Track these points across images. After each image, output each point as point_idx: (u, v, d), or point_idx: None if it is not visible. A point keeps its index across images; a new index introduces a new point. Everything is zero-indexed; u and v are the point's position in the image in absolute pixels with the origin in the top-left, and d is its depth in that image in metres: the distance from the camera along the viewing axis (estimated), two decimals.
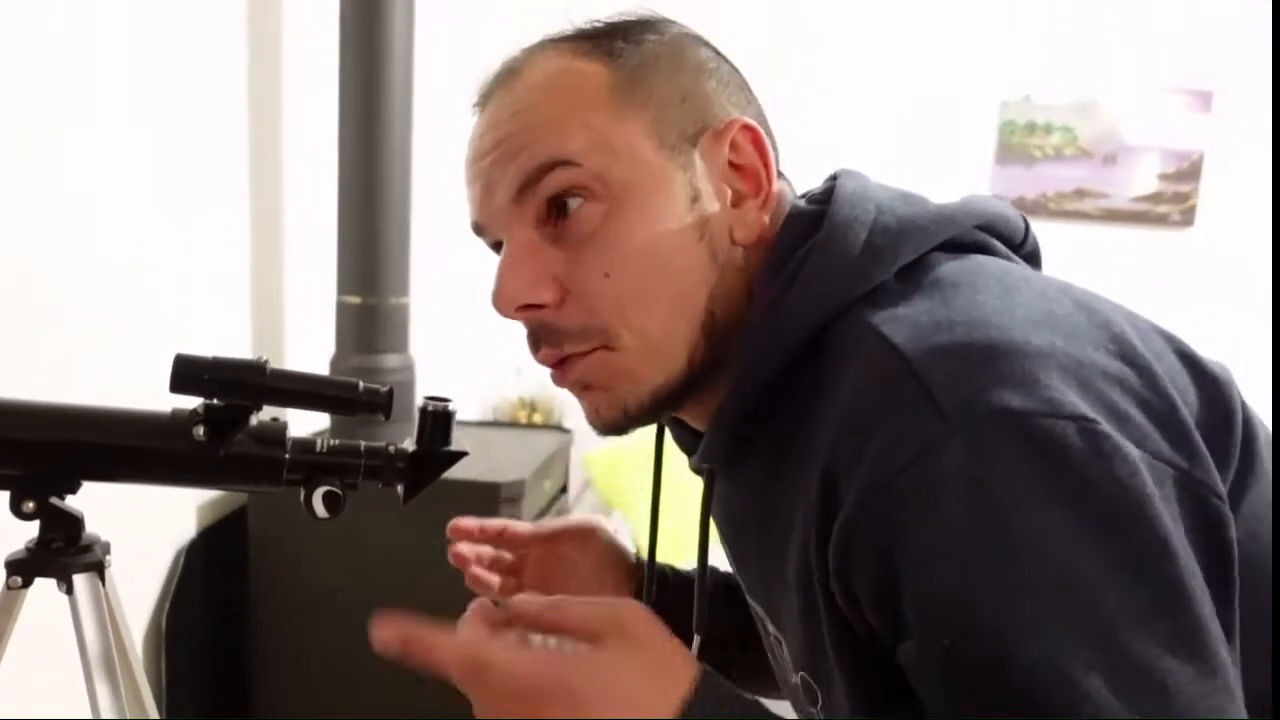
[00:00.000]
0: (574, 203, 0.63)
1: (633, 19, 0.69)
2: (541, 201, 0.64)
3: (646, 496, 2.94)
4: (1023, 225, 0.72)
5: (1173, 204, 3.14)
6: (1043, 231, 2.94)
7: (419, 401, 0.80)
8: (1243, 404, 0.59)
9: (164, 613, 1.62)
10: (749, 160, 0.67)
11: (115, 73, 1.45)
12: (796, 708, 0.73)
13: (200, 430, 0.75)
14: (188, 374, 0.73)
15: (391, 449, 0.79)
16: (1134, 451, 0.50)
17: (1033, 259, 0.74)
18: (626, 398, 0.66)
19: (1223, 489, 0.53)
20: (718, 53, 0.71)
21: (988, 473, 0.50)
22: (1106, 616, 0.48)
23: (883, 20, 3.18)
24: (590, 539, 0.88)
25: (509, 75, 0.67)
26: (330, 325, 1.91)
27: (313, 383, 0.77)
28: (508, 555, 0.89)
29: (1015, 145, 3.16)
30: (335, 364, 1.88)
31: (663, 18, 0.70)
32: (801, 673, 0.68)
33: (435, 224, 2.27)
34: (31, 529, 0.77)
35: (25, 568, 0.76)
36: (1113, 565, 0.49)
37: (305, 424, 1.85)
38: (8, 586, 0.76)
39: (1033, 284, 0.61)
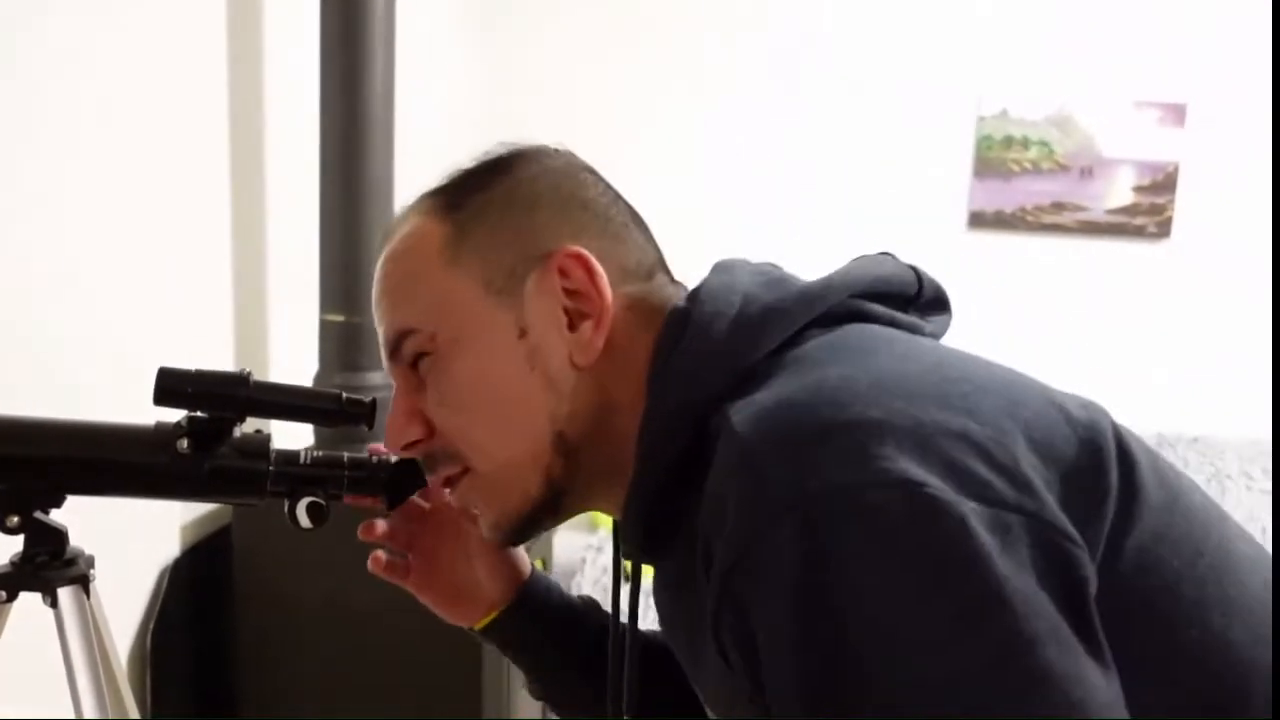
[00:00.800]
0: (423, 360, 0.72)
1: (488, 161, 0.74)
2: (405, 359, 0.73)
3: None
4: (914, 278, 0.75)
5: (1149, 216, 3.18)
6: (1021, 245, 2.99)
7: None
8: (1119, 439, 0.61)
9: (149, 632, 1.62)
10: (580, 285, 0.70)
11: (94, 89, 1.46)
12: None
13: (184, 443, 0.75)
14: (171, 386, 0.74)
15: (375, 459, 0.80)
16: (966, 506, 0.52)
17: (935, 305, 0.77)
18: (498, 517, 0.74)
19: (1072, 529, 0.55)
20: (573, 177, 0.75)
21: (818, 549, 0.53)
22: (945, 673, 0.51)
23: (860, 36, 3.21)
24: None
25: (385, 239, 0.76)
26: (313, 343, 1.92)
27: (296, 394, 0.78)
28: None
29: (993, 159, 3.19)
30: (319, 381, 1.88)
31: (523, 152, 0.75)
32: None
33: None
34: (15, 544, 0.77)
35: (9, 582, 0.77)
36: (945, 621, 0.51)
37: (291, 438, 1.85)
38: None
39: (893, 346, 0.65)
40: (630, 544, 0.73)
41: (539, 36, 3.23)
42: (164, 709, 1.58)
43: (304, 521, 0.77)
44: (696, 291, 0.71)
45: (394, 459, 0.81)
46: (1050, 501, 0.55)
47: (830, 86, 3.23)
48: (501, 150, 0.75)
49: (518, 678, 1.88)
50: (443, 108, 2.77)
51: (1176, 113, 3.13)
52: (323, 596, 1.77)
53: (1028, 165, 3.18)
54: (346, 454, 0.80)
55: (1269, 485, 3.10)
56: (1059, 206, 3.18)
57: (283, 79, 1.97)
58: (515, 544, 0.78)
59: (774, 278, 0.71)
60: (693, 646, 0.73)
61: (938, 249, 3.19)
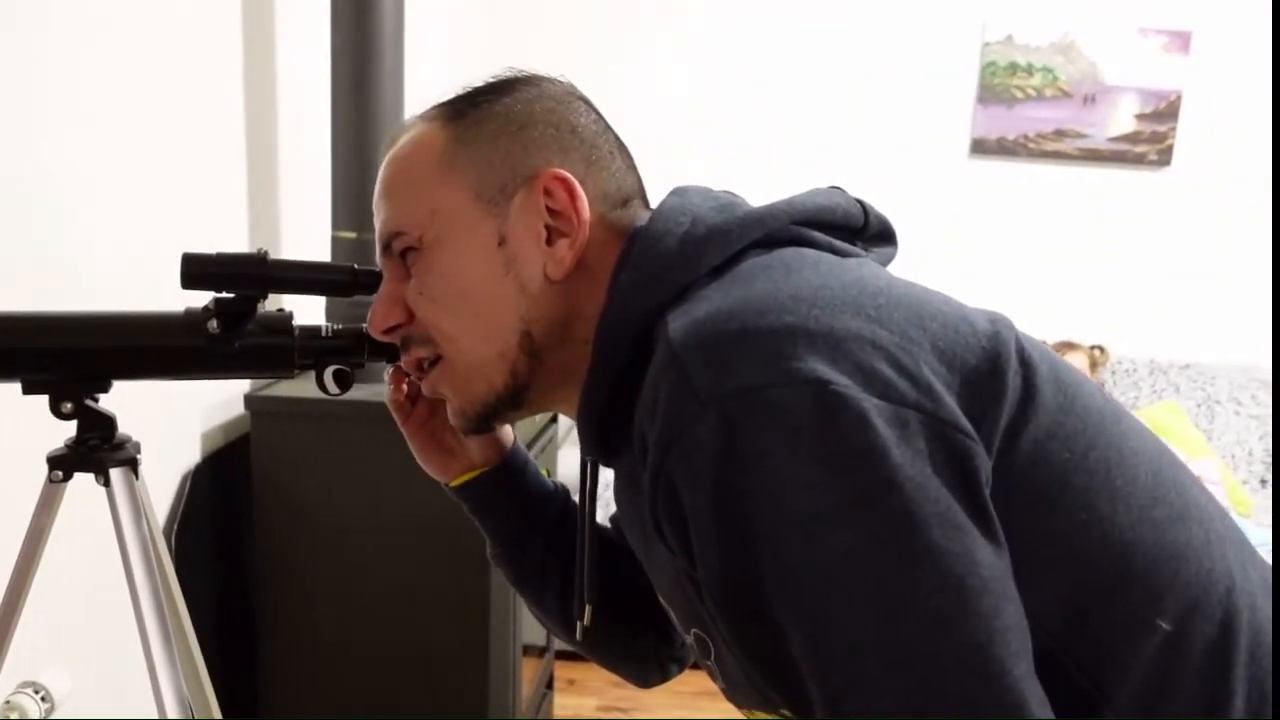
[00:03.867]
0: (409, 254, 0.78)
1: (493, 82, 0.80)
2: (393, 253, 0.79)
3: None
4: (860, 211, 0.81)
5: (1150, 144, 3.20)
6: (1023, 172, 3.03)
7: None
8: (1020, 349, 0.67)
9: (171, 535, 1.69)
10: (562, 206, 0.76)
11: (104, 20, 1.49)
12: (695, 662, 0.86)
13: (213, 324, 0.81)
14: (196, 270, 0.80)
15: None
16: (869, 402, 0.59)
17: (881, 238, 0.83)
18: (464, 404, 0.80)
19: (967, 425, 0.61)
20: (568, 105, 0.80)
21: (733, 442, 0.59)
22: (841, 550, 0.58)
23: None
24: None
25: (389, 144, 0.81)
26: (326, 259, 1.97)
27: (312, 268, 0.84)
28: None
29: (997, 86, 3.20)
30: (331, 296, 1.93)
31: (525, 77, 0.81)
32: (693, 630, 0.79)
33: None
34: (69, 429, 0.83)
35: (66, 463, 0.83)
36: (844, 504, 0.58)
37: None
38: (50, 480, 0.83)
39: (819, 265, 0.71)
40: (585, 445, 0.80)
41: None
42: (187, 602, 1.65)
43: (331, 388, 0.84)
44: (653, 212, 0.77)
45: None
46: (948, 401, 0.62)
47: (837, 12, 3.23)
48: (507, 74, 0.81)
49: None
50: (450, 27, 2.78)
51: (1181, 40, 3.14)
52: (337, 503, 1.84)
53: (1031, 92, 3.19)
54: (364, 324, 0.86)
55: (1257, 411, 3.16)
56: (1061, 134, 3.21)
57: (294, 5, 1.99)
58: (478, 432, 0.85)
59: (724, 202, 0.77)
60: (645, 542, 0.80)
61: (940, 175, 3.25)
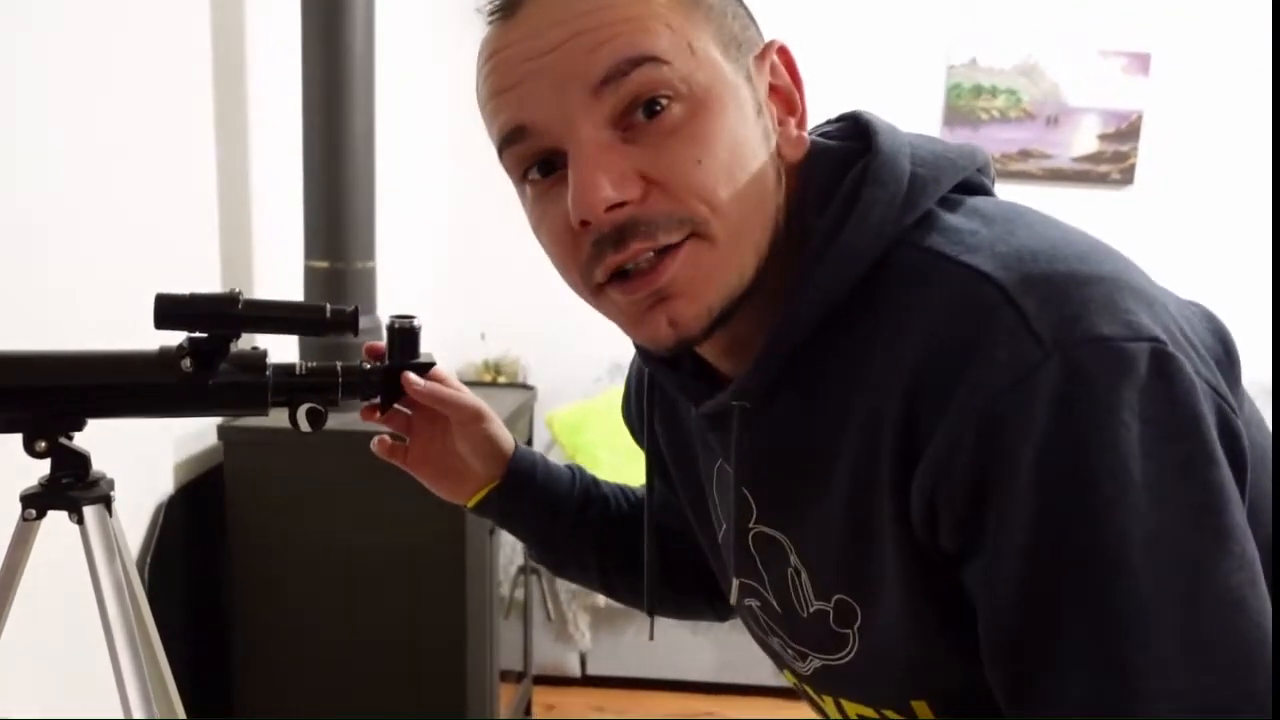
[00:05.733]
0: (663, 101, 0.62)
1: None
2: (623, 98, 0.62)
3: (608, 453, 3.05)
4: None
5: (1113, 163, 3.26)
6: None
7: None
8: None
9: (145, 568, 1.69)
10: (784, 82, 0.69)
11: (81, 29, 1.50)
12: (799, 639, 0.79)
13: (187, 363, 0.82)
14: (168, 310, 0.81)
15: (366, 365, 0.86)
16: (1190, 371, 0.57)
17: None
18: (713, 297, 0.65)
19: (1236, 404, 0.60)
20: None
21: (1082, 395, 0.56)
22: (1160, 517, 0.56)
23: None
24: (473, 424, 0.92)
25: None
26: (299, 290, 1.97)
27: (285, 308, 0.85)
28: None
29: (962, 108, 3.25)
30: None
31: None
32: (836, 596, 0.72)
33: (400, 189, 2.32)
34: (43, 467, 0.84)
35: (39, 501, 0.83)
36: (1171, 470, 0.56)
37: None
38: (23, 519, 0.83)
39: (1053, 220, 0.67)
40: (765, 376, 0.69)
41: None
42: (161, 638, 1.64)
43: (304, 426, 0.84)
44: (851, 129, 0.71)
45: (383, 365, 0.87)
46: (1219, 376, 0.60)
47: (803, 37, 3.26)
48: None
49: (500, 613, 1.96)
50: (421, 56, 2.80)
51: (1141, 62, 3.20)
52: (311, 533, 1.84)
53: (995, 114, 3.24)
54: (339, 363, 0.87)
55: None
56: (1026, 154, 3.26)
57: (265, 24, 2.00)
58: (697, 341, 0.68)
59: (917, 134, 0.72)
60: (802, 491, 0.71)
61: None
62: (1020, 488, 0.57)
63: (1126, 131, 3.23)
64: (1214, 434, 0.57)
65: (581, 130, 0.62)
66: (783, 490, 0.74)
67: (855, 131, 0.72)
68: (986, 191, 0.71)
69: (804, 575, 0.75)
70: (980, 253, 0.61)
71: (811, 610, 0.75)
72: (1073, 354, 0.56)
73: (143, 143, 1.65)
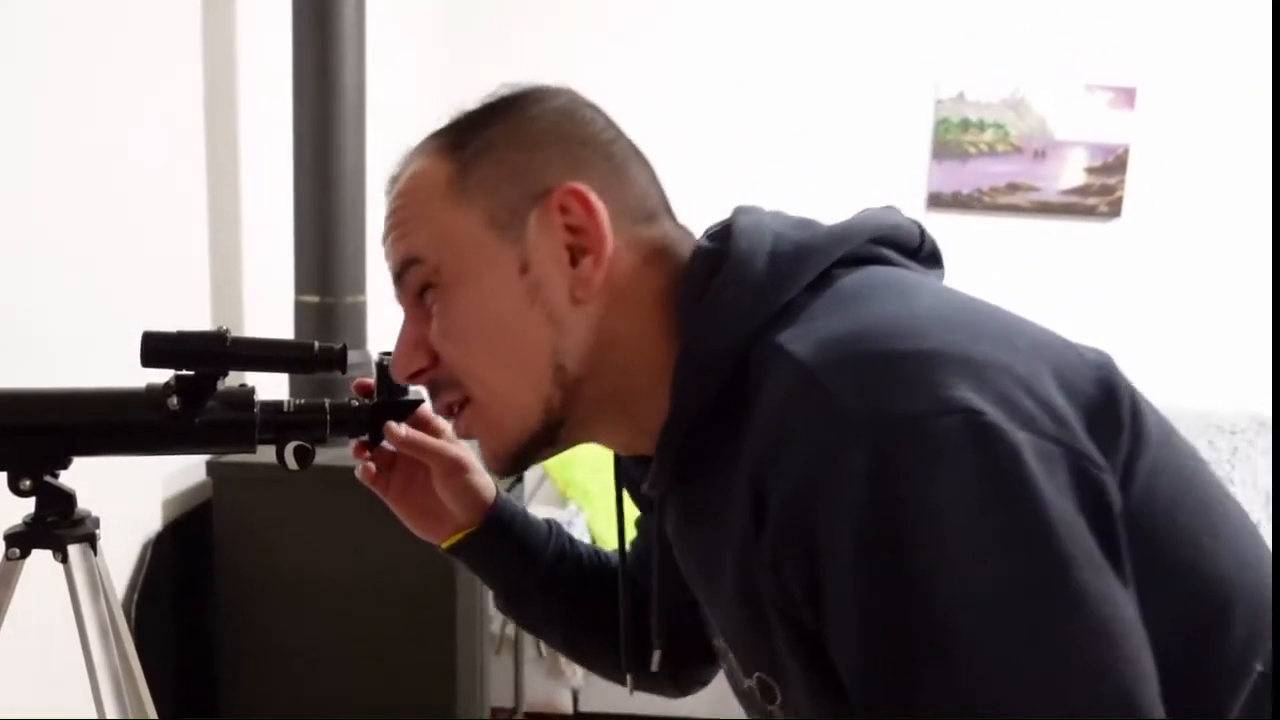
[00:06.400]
0: (428, 293, 0.75)
1: (492, 102, 0.76)
2: (408, 290, 0.76)
3: (600, 489, 3.04)
4: (918, 231, 0.79)
5: (1100, 196, 3.28)
6: (978, 225, 3.09)
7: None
8: (1126, 383, 0.66)
9: (132, 605, 1.67)
10: (580, 221, 0.72)
11: (71, 68, 1.50)
12: (751, 709, 0.80)
13: (174, 400, 0.81)
14: (156, 348, 0.81)
15: (355, 403, 0.86)
16: (1019, 435, 0.56)
17: (933, 259, 0.81)
18: (497, 446, 0.76)
19: (1100, 458, 0.59)
20: (575, 115, 0.77)
21: (890, 474, 0.56)
22: (995, 589, 0.55)
23: (822, 23, 3.28)
24: (454, 475, 0.93)
25: (391, 182, 0.78)
26: (289, 324, 1.97)
27: (272, 346, 0.85)
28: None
29: (950, 142, 3.27)
30: None
31: (525, 93, 0.77)
32: (756, 674, 0.74)
33: None
34: (27, 505, 0.83)
35: (23, 540, 0.83)
36: (999, 541, 0.55)
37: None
38: (6, 558, 0.82)
39: (923, 288, 0.69)
40: (662, 476, 0.74)
41: (503, 21, 3.28)
42: (147, 677, 1.62)
43: (291, 464, 0.84)
44: (727, 230, 0.73)
45: (371, 402, 0.87)
46: (1083, 433, 0.59)
47: (793, 72, 3.29)
48: (505, 91, 0.77)
49: (491, 649, 1.94)
50: (411, 92, 2.81)
51: (1126, 96, 3.23)
52: (300, 570, 1.83)
53: (984, 147, 3.26)
54: (327, 400, 0.86)
55: (1213, 455, 3.21)
56: (1014, 187, 3.27)
57: (256, 61, 2.01)
58: (513, 472, 0.79)
59: (797, 220, 0.74)
60: (710, 574, 0.74)
61: None
62: (843, 569, 0.58)
63: (1113, 165, 3.26)
64: (1051, 496, 0.56)
65: (403, 308, 0.78)
66: (697, 572, 0.78)
67: (728, 232, 0.74)
68: (882, 260, 0.73)
69: (731, 654, 0.78)
70: (808, 339, 0.63)
71: (744, 686, 0.78)
72: (879, 434, 0.57)
73: (133, 177, 1.65)
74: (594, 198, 0.71)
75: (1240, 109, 3.23)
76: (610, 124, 0.78)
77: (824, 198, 3.59)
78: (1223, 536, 0.65)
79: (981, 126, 3.25)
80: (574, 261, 0.72)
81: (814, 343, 0.63)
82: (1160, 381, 3.29)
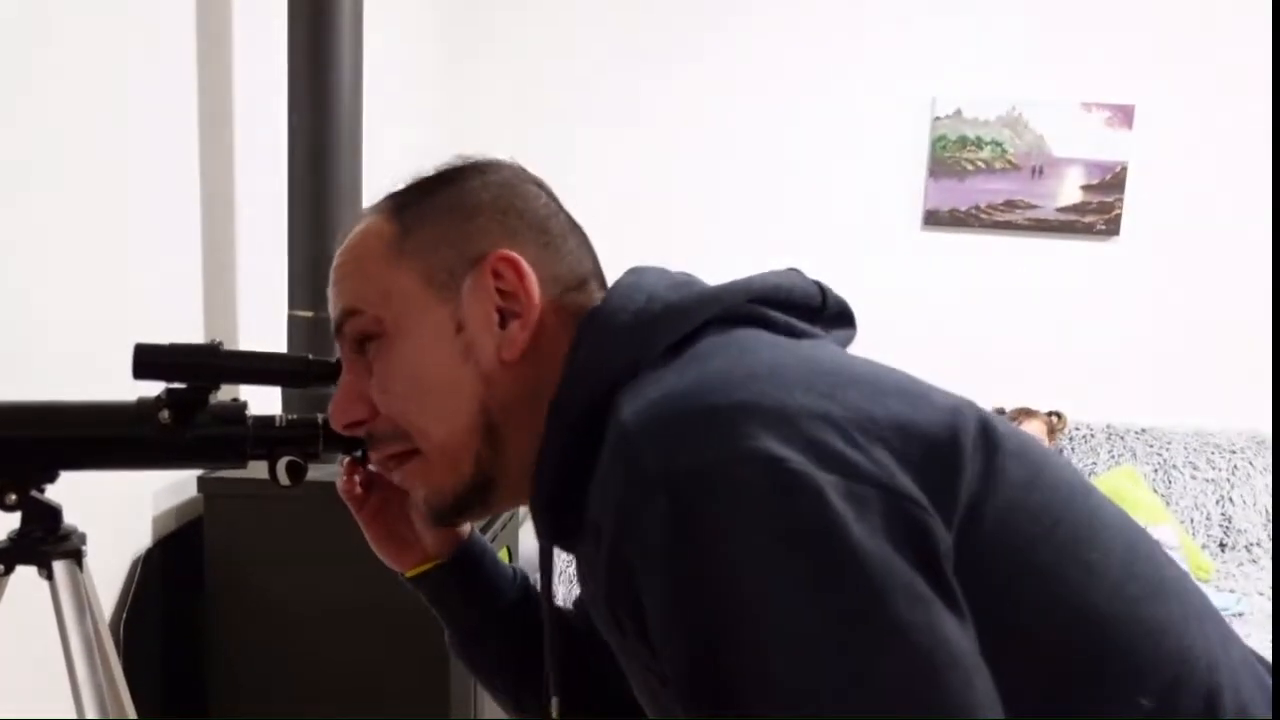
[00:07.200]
0: (368, 345, 0.78)
1: (441, 171, 0.81)
2: (349, 340, 0.79)
3: None
4: (817, 291, 0.80)
5: (1098, 214, 3.28)
6: (975, 243, 3.09)
7: None
8: (983, 423, 0.66)
9: (121, 622, 1.65)
10: (511, 286, 0.76)
11: (64, 83, 1.49)
12: None
13: (165, 414, 0.80)
14: (148, 361, 0.79)
15: None
16: (824, 478, 0.57)
17: (840, 320, 0.82)
18: (431, 496, 0.79)
19: (923, 499, 0.60)
20: (516, 189, 0.80)
21: (685, 522, 0.58)
22: (806, 630, 0.56)
23: (820, 40, 3.28)
24: None
25: (342, 238, 0.81)
26: (282, 339, 1.95)
27: (265, 359, 0.83)
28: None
29: (948, 159, 3.27)
30: None
31: (473, 164, 0.81)
32: None
33: None
34: (13, 520, 0.81)
35: (7, 555, 0.81)
36: (805, 584, 0.56)
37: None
38: None
39: (775, 346, 0.71)
40: (540, 531, 0.78)
41: (497, 44, 3.28)
42: (135, 697, 1.60)
43: (283, 479, 0.82)
44: (608, 291, 0.77)
45: None
46: (902, 474, 0.60)
47: (791, 89, 3.29)
48: (456, 161, 0.81)
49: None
50: (407, 109, 2.80)
51: (1124, 114, 3.23)
52: (293, 588, 1.80)
53: (981, 165, 3.27)
54: (320, 415, 0.84)
55: (1213, 474, 3.20)
56: (1011, 205, 3.27)
57: (251, 72, 2.00)
58: (447, 524, 0.83)
59: (680, 281, 0.77)
60: (607, 627, 0.77)
61: (895, 246, 3.29)
62: (661, 620, 0.60)
63: (1111, 182, 3.26)
64: (860, 535, 0.57)
65: (343, 359, 0.80)
66: (601, 621, 0.79)
67: None
68: (765, 319, 0.74)
69: (642, 703, 0.80)
70: (639, 400, 0.65)
71: None
72: (676, 487, 0.58)
73: (125, 190, 1.64)
74: (525, 265, 0.76)
75: (1238, 127, 3.24)
76: (550, 198, 0.82)
77: (821, 215, 3.62)
78: (1097, 572, 0.65)
79: (979, 144, 3.25)
80: (503, 324, 0.76)
81: (641, 403, 0.64)
82: (1158, 400, 3.31)
